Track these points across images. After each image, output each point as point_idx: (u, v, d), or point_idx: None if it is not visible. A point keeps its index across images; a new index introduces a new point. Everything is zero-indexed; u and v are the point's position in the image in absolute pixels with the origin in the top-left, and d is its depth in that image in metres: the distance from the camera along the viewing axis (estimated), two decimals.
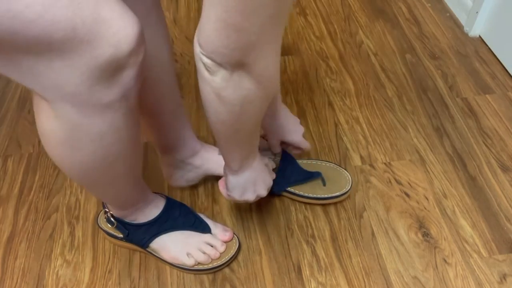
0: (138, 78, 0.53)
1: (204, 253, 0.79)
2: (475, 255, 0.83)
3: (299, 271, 0.82)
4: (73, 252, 0.85)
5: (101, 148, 0.57)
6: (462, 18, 1.33)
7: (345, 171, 0.92)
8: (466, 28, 1.31)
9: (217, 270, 0.81)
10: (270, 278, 0.81)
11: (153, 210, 0.79)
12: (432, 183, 0.94)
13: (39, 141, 1.04)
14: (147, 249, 0.81)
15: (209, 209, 0.91)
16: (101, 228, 0.84)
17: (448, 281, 0.80)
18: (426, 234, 0.86)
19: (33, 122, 1.08)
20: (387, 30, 1.33)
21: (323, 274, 0.81)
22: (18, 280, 0.81)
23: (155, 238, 0.79)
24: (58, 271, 0.83)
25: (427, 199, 0.92)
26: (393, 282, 0.80)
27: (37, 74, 0.48)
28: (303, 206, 0.91)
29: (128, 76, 0.51)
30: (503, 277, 0.80)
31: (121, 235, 0.81)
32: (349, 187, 0.90)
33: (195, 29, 1.35)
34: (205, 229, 0.81)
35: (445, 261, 0.82)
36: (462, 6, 1.32)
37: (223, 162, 0.72)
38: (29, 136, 1.05)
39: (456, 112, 1.08)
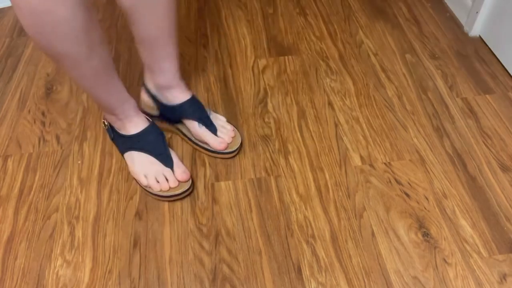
0: None
1: (157, 181, 0.90)
2: (475, 255, 0.83)
3: (299, 271, 0.82)
4: (73, 252, 0.85)
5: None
6: (462, 18, 1.33)
7: (238, 132, 1.01)
8: (466, 28, 1.31)
9: (161, 200, 0.92)
10: (270, 278, 0.81)
11: (132, 128, 0.92)
12: (432, 183, 0.94)
13: (39, 141, 1.04)
14: (123, 156, 0.96)
15: (209, 209, 0.91)
16: (105, 126, 0.98)
17: (448, 281, 0.80)
18: (426, 234, 0.86)
19: (33, 122, 1.08)
20: (387, 30, 1.33)
21: (323, 274, 0.81)
22: (18, 280, 0.81)
23: (128, 151, 0.94)
24: (58, 271, 0.83)
25: (427, 199, 0.92)
26: (393, 282, 0.80)
27: None
28: (303, 206, 0.91)
29: None
30: (503, 277, 0.80)
31: (112, 135, 0.97)
32: (237, 148, 0.98)
33: (195, 29, 1.35)
34: (167, 163, 0.92)
35: (445, 261, 0.83)
36: (462, 6, 1.32)
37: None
38: (29, 136, 1.05)
39: (456, 112, 1.09)
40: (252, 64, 1.23)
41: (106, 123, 0.96)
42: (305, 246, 0.85)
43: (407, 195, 0.92)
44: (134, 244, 0.86)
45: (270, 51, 1.27)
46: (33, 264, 0.84)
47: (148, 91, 0.99)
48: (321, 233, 0.87)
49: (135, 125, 0.93)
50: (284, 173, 0.97)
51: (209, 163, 0.99)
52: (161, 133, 0.95)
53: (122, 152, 0.96)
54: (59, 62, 0.74)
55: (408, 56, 1.24)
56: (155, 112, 1.01)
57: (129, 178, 0.96)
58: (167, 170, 0.91)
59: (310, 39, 1.30)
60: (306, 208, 0.91)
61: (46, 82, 1.19)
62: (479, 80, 1.16)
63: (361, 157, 0.99)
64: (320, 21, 1.37)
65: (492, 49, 1.24)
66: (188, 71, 1.21)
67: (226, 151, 0.97)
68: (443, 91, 1.14)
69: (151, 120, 0.96)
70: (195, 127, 0.97)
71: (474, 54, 1.24)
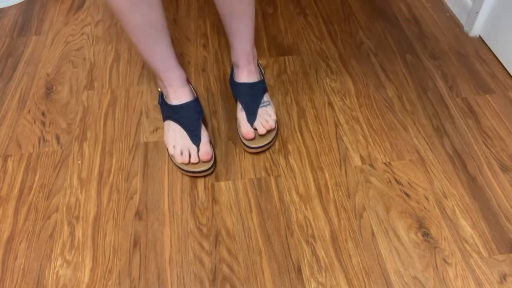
0: None
1: (181, 154, 0.95)
2: (475, 255, 0.83)
3: (299, 271, 0.82)
4: (73, 252, 0.85)
5: None
6: (462, 18, 1.33)
7: (274, 135, 1.01)
8: (466, 28, 1.31)
9: (181, 172, 0.97)
10: (270, 278, 0.81)
11: (174, 99, 0.98)
12: (432, 183, 0.94)
13: (39, 141, 1.04)
14: (164, 122, 1.02)
15: (209, 209, 0.91)
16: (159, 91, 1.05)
17: (448, 281, 0.80)
18: (426, 234, 0.86)
19: (33, 122, 1.08)
20: (387, 30, 1.33)
21: (323, 274, 0.81)
22: (18, 280, 0.81)
23: (167, 119, 1.00)
24: (58, 271, 0.83)
25: (427, 199, 0.92)
26: (393, 282, 0.80)
27: None
28: (303, 206, 0.91)
29: None
30: (503, 277, 0.80)
31: (160, 100, 1.03)
32: (258, 146, 0.99)
33: (195, 29, 1.35)
34: (195, 141, 0.97)
35: (445, 261, 0.83)
36: (462, 6, 1.32)
37: None
38: (29, 136, 1.05)
39: (456, 112, 1.09)
40: None
41: (159, 89, 1.04)
42: (305, 246, 0.85)
43: (407, 195, 0.92)
44: (134, 244, 0.86)
45: (270, 51, 1.27)
46: (33, 264, 0.84)
47: None
48: (321, 233, 0.87)
49: (177, 96, 0.98)
50: (284, 173, 0.97)
51: None
52: (199, 111, 0.99)
53: (163, 119, 1.02)
54: (113, 12, 0.86)
55: (408, 56, 1.24)
56: None
57: (129, 178, 0.96)
58: (193, 147, 0.96)
59: (310, 39, 1.30)
60: (306, 208, 0.91)
61: (46, 82, 1.19)
62: (479, 80, 1.16)
63: (361, 157, 0.99)
64: (320, 21, 1.37)
65: (492, 49, 1.24)
66: (188, 71, 1.21)
67: (248, 144, 0.98)
68: (443, 91, 1.14)
69: (196, 95, 1.01)
70: (238, 109, 1.03)
71: (474, 54, 1.24)
